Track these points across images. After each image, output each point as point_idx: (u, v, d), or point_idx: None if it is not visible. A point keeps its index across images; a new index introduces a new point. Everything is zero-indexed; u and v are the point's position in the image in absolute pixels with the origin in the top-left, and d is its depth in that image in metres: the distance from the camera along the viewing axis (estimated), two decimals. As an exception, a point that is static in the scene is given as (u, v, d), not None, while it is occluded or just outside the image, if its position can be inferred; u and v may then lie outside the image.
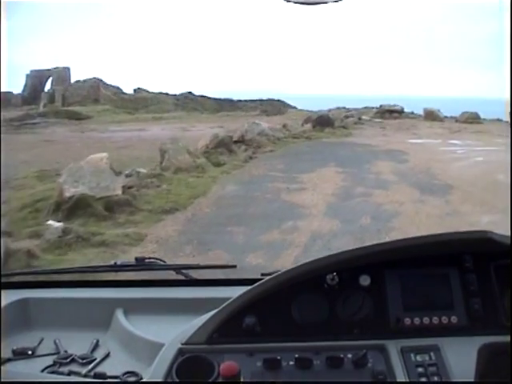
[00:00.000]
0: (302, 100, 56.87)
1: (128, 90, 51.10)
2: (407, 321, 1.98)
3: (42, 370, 1.99)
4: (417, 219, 10.68)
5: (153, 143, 19.01)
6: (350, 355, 1.87)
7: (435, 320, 1.98)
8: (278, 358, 1.86)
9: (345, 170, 15.95)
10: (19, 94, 48.28)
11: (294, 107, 47.58)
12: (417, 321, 1.98)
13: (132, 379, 1.94)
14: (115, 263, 2.63)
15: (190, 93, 51.13)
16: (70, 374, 1.98)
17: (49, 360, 2.06)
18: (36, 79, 49.27)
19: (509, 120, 27.44)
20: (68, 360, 2.06)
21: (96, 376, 1.95)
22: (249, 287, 1.98)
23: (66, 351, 2.11)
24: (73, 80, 49.07)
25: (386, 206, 11.74)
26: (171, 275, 2.63)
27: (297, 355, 1.86)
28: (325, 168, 16.32)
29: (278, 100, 51.44)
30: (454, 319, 1.99)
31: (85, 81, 48.59)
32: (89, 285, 2.56)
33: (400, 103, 39.04)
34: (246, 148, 19.85)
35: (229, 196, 12.92)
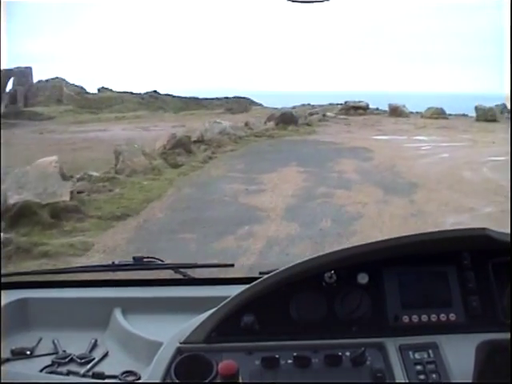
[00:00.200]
0: (268, 97, 56.42)
1: (92, 89, 50.14)
2: (405, 318, 1.98)
3: (41, 370, 1.98)
4: (380, 221, 10.23)
5: (112, 144, 18.23)
6: (348, 353, 1.87)
7: (433, 318, 1.99)
8: (277, 356, 1.86)
9: (306, 170, 15.42)
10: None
11: (260, 105, 47.08)
12: (415, 318, 1.98)
13: (130, 379, 1.93)
14: (113, 263, 2.64)
15: (155, 91, 50.44)
16: (68, 373, 1.97)
17: (47, 360, 2.05)
18: (-4, 79, 48.10)
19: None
20: (66, 360, 2.05)
21: (94, 376, 1.95)
22: (247, 286, 1.99)
23: (64, 351, 2.10)
24: (35, 80, 47.93)
25: (348, 207, 11.25)
26: (169, 274, 2.63)
27: (295, 353, 1.86)
28: (286, 167, 15.79)
29: (244, 98, 50.80)
30: (452, 317, 1.99)
31: (47, 80, 47.61)
32: (87, 284, 2.55)
33: (366, 99, 38.82)
34: (206, 148, 19.17)
35: (184, 199, 12.34)
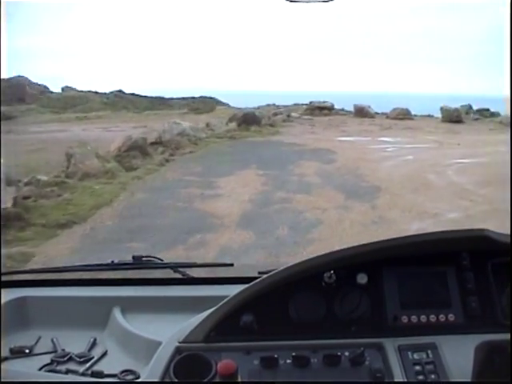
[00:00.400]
0: (236, 97, 55.84)
1: (56, 88, 49.09)
2: (404, 319, 1.98)
3: (40, 369, 1.98)
4: (339, 228, 9.75)
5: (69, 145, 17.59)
6: (347, 353, 1.87)
7: (432, 318, 1.99)
8: (276, 356, 1.85)
9: (266, 173, 14.86)
10: None
11: (227, 104, 46.45)
12: (414, 319, 1.98)
13: (129, 377, 1.93)
14: (112, 261, 2.61)
15: (120, 91, 49.50)
16: (67, 372, 1.97)
17: (46, 358, 2.05)
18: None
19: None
20: (65, 358, 2.05)
21: (93, 374, 1.94)
22: (246, 285, 1.98)
23: (63, 350, 2.11)
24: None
25: (307, 213, 10.74)
26: (168, 273, 2.59)
27: (294, 353, 1.85)
28: (245, 170, 15.21)
29: (211, 97, 50.14)
30: (451, 317, 1.99)
31: (9, 79, 46.45)
32: (86, 283, 2.54)
33: (332, 99, 38.40)
34: (164, 150, 18.49)
35: (136, 205, 11.70)
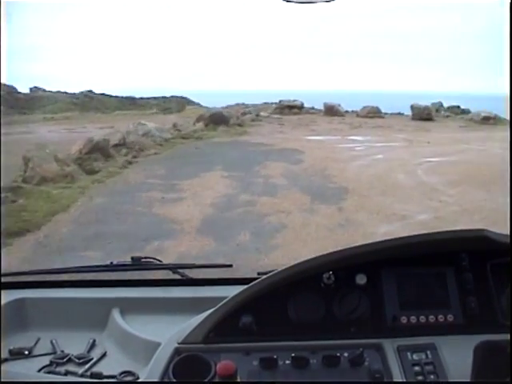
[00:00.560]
0: (208, 97, 55.26)
1: (25, 89, 48.10)
2: (404, 319, 1.98)
3: (39, 370, 1.98)
4: (304, 233, 9.35)
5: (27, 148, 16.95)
6: (346, 354, 1.87)
7: (431, 319, 1.99)
8: (275, 357, 1.85)
9: (231, 174, 14.40)
10: None
11: (198, 104, 45.84)
12: (413, 319, 1.98)
13: (128, 379, 1.94)
14: (111, 263, 2.64)
15: (90, 91, 48.66)
16: (66, 373, 1.98)
17: (45, 360, 2.05)
18: None
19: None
20: (64, 360, 2.05)
21: (93, 376, 1.96)
22: (245, 286, 1.98)
23: (62, 351, 2.11)
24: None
25: (271, 217, 10.33)
26: (167, 275, 2.61)
27: (293, 354, 1.85)
28: (210, 172, 14.71)
29: (182, 97, 49.55)
30: (450, 318, 1.99)
31: (-25, 80, 45.52)
32: (85, 285, 2.53)
33: (302, 98, 38.00)
34: (128, 152, 17.93)
35: (94, 210, 11.18)
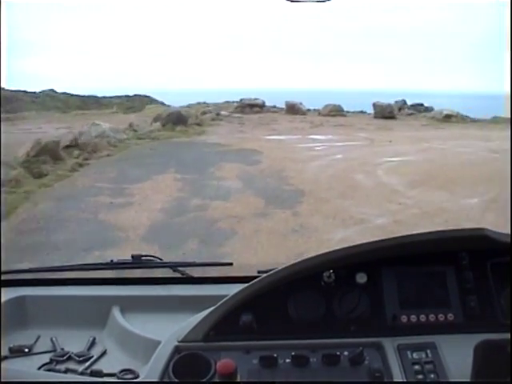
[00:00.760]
0: (173, 95, 54.55)
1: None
2: (404, 318, 1.99)
3: (39, 368, 2.00)
4: (255, 240, 8.84)
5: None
6: (346, 353, 1.88)
7: (432, 317, 2.00)
8: (275, 355, 1.86)
9: (184, 177, 13.79)
10: None
11: (162, 103, 45.03)
12: (413, 318, 1.99)
13: (129, 377, 1.94)
14: (112, 261, 2.63)
15: (51, 90, 47.70)
16: (66, 371, 1.99)
17: (45, 358, 2.07)
18: None
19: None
20: (65, 358, 2.07)
21: (93, 374, 1.97)
22: (245, 285, 1.99)
23: (62, 349, 2.12)
24: None
25: (222, 222, 9.80)
26: (168, 273, 2.59)
27: (293, 353, 1.86)
28: (163, 175, 14.05)
29: (146, 96, 48.81)
30: (450, 317, 2.00)
31: None
32: (85, 282, 2.53)
33: (265, 96, 37.52)
34: (80, 153, 17.17)
35: (36, 218, 10.49)
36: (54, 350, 2.11)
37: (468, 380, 1.71)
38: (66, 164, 15.89)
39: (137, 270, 2.68)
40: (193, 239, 8.76)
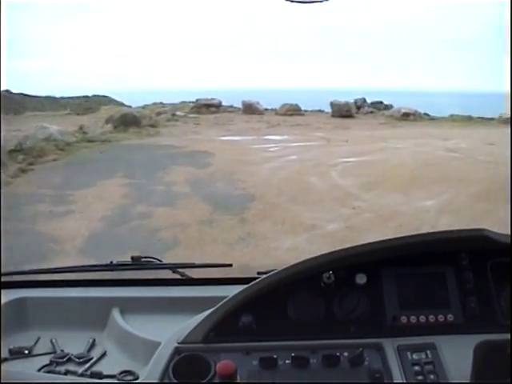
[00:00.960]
0: (133, 95, 53.62)
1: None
2: (403, 319, 1.99)
3: (39, 370, 2.00)
4: (198, 251, 8.32)
5: None
6: (346, 354, 1.88)
7: (431, 318, 2.00)
8: (275, 356, 1.86)
9: (131, 182, 13.20)
10: None
11: (121, 103, 44.17)
12: (413, 319, 1.99)
13: (128, 378, 1.95)
14: (111, 262, 2.64)
15: (7, 91, 46.53)
16: (66, 373, 2.00)
17: (45, 359, 2.08)
18: None
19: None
20: (64, 359, 2.07)
21: (92, 375, 1.98)
22: (245, 286, 2.00)
23: (62, 350, 2.13)
24: None
25: (165, 231, 9.26)
26: (167, 274, 2.60)
27: (293, 354, 1.86)
28: (109, 180, 13.42)
29: (104, 96, 47.90)
30: (450, 317, 2.00)
31: None
32: (85, 284, 2.53)
33: (223, 96, 37.05)
34: (24, 158, 16.41)
35: (-33, 230, 9.78)
36: (54, 352, 2.11)
37: (468, 381, 1.70)
38: (9, 170, 15.16)
39: (136, 271, 2.68)
40: (132, 251, 8.10)
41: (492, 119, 30.37)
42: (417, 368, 1.81)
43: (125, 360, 2.07)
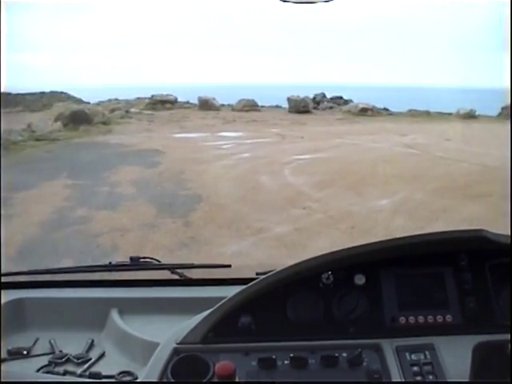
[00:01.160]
0: (93, 91, 52.52)
1: None
2: (402, 320, 1.99)
3: (37, 370, 2.01)
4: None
5: None
6: (345, 354, 1.87)
7: (430, 319, 2.00)
8: (273, 357, 1.85)
9: (76, 183, 12.57)
10: None
11: (80, 99, 43.21)
12: (412, 320, 1.99)
13: (127, 379, 1.95)
14: (110, 263, 2.65)
15: (-45, 89, 45.28)
16: (65, 373, 2.00)
17: (44, 360, 2.08)
18: None
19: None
20: (63, 360, 2.07)
21: (91, 376, 1.98)
22: (244, 286, 2.00)
23: (61, 351, 2.12)
24: None
25: (104, 237, 8.75)
26: (166, 275, 2.59)
27: (292, 354, 1.86)
28: (52, 181, 12.78)
29: (62, 92, 46.92)
30: (448, 318, 2.00)
31: None
32: (84, 285, 2.54)
33: (180, 92, 36.50)
34: (-37, 161, 15.70)
35: None
36: (53, 352, 2.11)
37: (466, 381, 1.70)
38: None
39: (135, 272, 2.67)
40: (66, 260, 7.66)
41: (450, 114, 30.36)
42: (415, 368, 1.80)
43: (123, 360, 2.07)
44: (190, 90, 46.23)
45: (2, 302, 2.26)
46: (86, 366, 2.03)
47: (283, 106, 33.27)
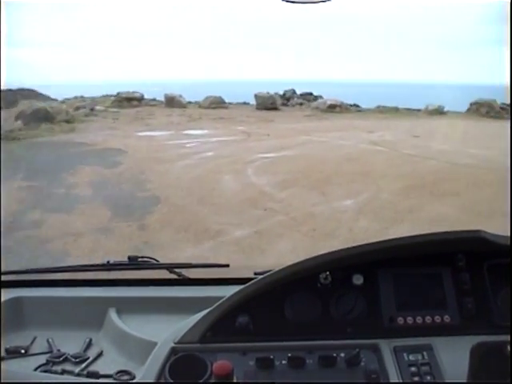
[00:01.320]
0: (65, 88, 51.72)
1: None
2: (400, 320, 2.00)
3: (35, 369, 2.01)
4: (89, 263, 7.26)
5: None
6: (342, 354, 1.88)
7: (428, 319, 2.00)
8: (271, 357, 1.86)
9: (31, 184, 12.05)
10: None
11: (48, 97, 42.52)
12: (410, 320, 2.00)
13: (125, 378, 1.96)
14: (108, 262, 2.65)
15: None
16: (62, 372, 2.01)
17: (42, 359, 2.08)
18: None
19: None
20: (61, 359, 2.07)
21: (89, 375, 1.98)
22: (242, 286, 2.01)
23: (58, 350, 2.13)
24: None
25: (55, 242, 8.31)
26: (164, 274, 2.59)
27: (290, 354, 1.87)
28: (7, 182, 12.18)
29: (30, 89, 46.09)
30: (446, 318, 2.01)
31: None
32: (82, 284, 2.55)
33: (148, 89, 36.07)
34: None
35: None
36: (51, 351, 2.10)
37: (464, 382, 1.70)
38: None
39: (133, 271, 2.66)
40: (12, 267, 7.26)
41: (419, 110, 30.35)
42: (413, 369, 1.80)
43: (121, 360, 2.06)
44: (158, 86, 45.81)
45: (1, 300, 2.27)
46: (83, 365, 2.03)
47: (251, 102, 33.00)
